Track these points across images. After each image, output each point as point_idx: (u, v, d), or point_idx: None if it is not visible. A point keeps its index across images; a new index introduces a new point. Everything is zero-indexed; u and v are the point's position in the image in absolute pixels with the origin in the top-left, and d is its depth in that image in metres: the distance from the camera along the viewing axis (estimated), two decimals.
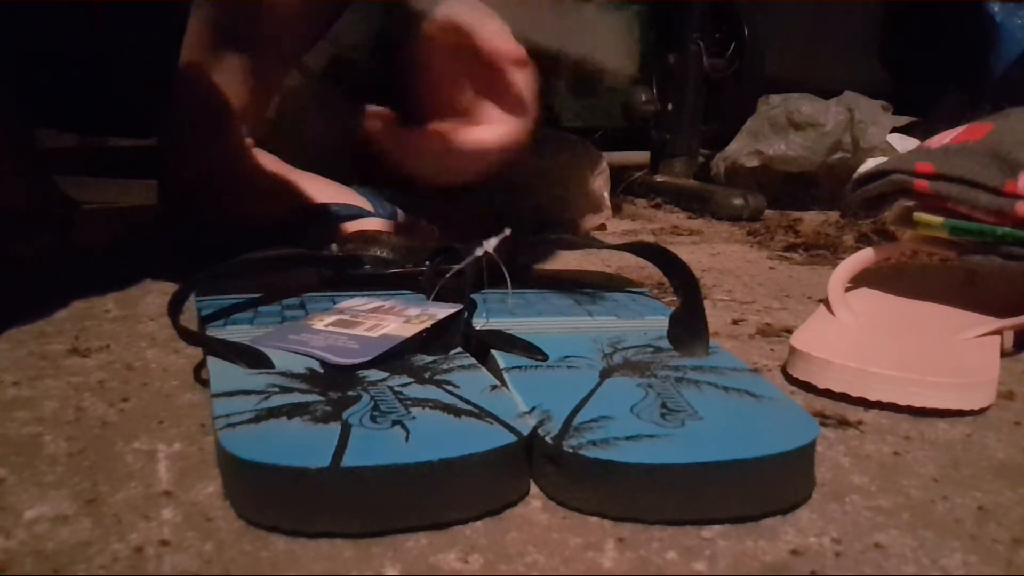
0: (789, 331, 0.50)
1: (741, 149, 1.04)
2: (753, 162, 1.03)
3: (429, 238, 0.62)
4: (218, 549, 0.26)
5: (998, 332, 0.47)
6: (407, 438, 0.29)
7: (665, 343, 0.41)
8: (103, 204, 0.87)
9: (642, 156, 1.20)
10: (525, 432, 0.30)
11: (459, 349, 0.39)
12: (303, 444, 0.28)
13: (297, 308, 0.45)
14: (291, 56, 0.67)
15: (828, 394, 0.40)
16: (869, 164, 0.85)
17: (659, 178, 1.13)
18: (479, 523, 0.28)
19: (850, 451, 0.35)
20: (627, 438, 0.30)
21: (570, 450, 0.29)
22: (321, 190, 0.67)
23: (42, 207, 0.60)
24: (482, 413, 0.31)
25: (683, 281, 0.44)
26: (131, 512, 0.28)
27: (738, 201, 0.96)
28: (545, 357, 0.38)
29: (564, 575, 0.26)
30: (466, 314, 0.43)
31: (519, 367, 0.37)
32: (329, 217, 0.65)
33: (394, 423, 0.30)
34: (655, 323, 0.43)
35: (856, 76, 1.11)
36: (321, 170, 0.71)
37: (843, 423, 0.38)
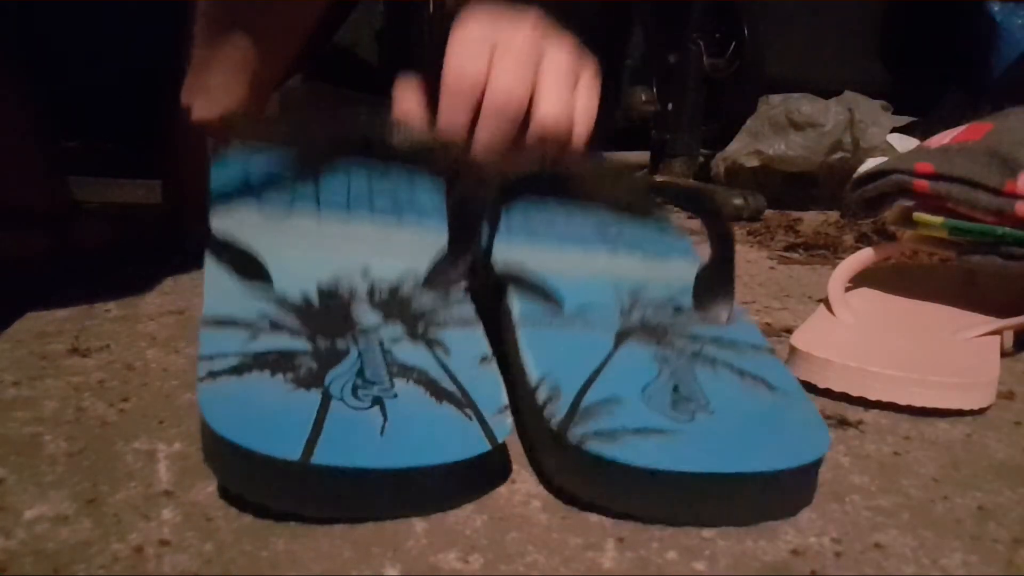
0: (789, 331, 0.50)
1: (741, 149, 1.04)
2: (753, 162, 1.03)
3: None
4: (218, 549, 0.26)
5: (998, 332, 0.47)
6: (383, 429, 0.29)
7: (687, 301, 0.40)
8: (103, 204, 0.87)
9: (642, 156, 1.20)
10: (501, 436, 0.29)
11: (463, 288, 0.39)
12: (278, 422, 0.28)
13: (310, 199, 0.41)
14: (287, 54, 0.67)
15: (828, 394, 0.40)
16: (869, 164, 0.85)
17: (659, 178, 1.13)
18: (479, 523, 0.28)
19: (850, 451, 0.35)
20: (634, 431, 0.29)
21: (574, 442, 0.29)
22: None
23: (45, 207, 0.60)
24: (464, 401, 0.31)
25: (717, 233, 0.42)
26: (131, 512, 0.28)
27: (738, 201, 0.96)
28: (560, 304, 0.38)
29: (564, 575, 0.26)
30: (488, 240, 0.42)
31: (533, 323, 0.36)
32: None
33: (374, 401, 0.30)
34: (679, 269, 0.42)
35: (856, 76, 1.11)
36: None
37: (843, 423, 0.38)
